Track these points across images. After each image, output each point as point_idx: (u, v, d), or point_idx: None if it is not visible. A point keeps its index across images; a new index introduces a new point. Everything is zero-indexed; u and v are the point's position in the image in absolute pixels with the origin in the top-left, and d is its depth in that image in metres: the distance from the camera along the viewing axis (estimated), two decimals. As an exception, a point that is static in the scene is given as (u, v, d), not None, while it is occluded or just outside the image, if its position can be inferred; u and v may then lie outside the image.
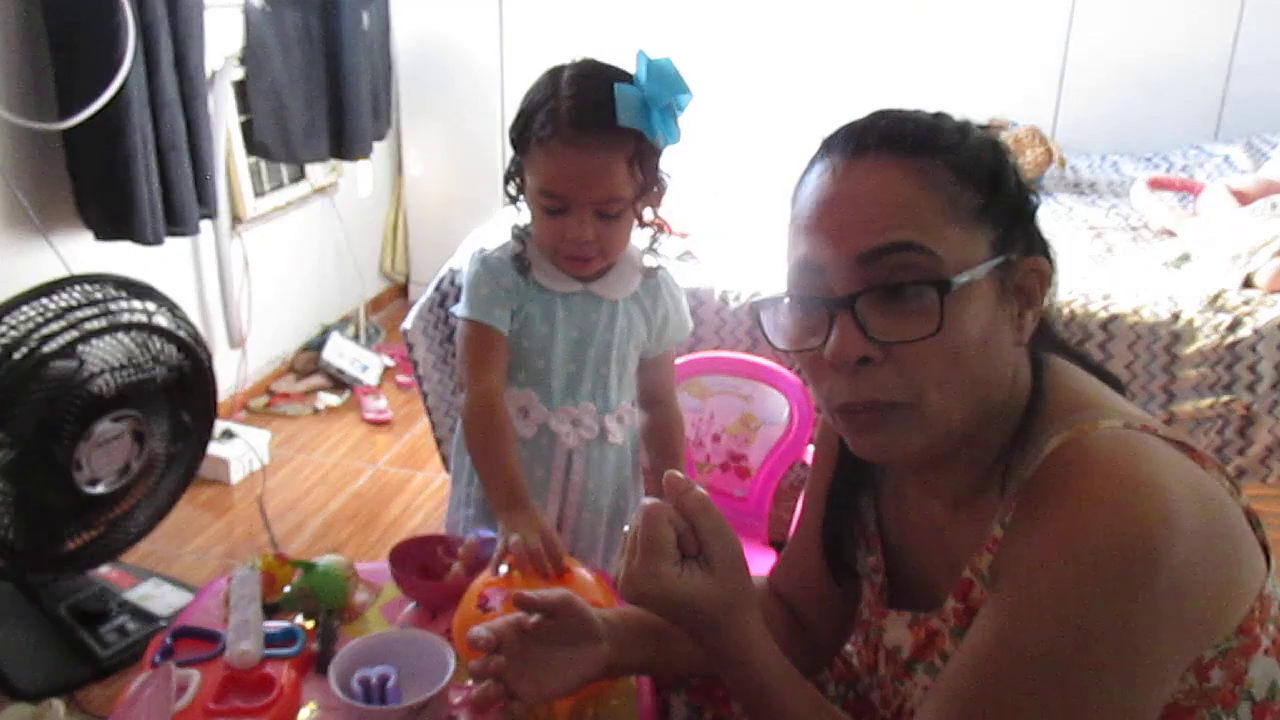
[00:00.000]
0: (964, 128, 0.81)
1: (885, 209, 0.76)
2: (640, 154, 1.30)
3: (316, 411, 3.10)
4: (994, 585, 0.78)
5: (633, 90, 1.26)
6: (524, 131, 1.31)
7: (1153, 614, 0.70)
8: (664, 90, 1.28)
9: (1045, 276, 0.81)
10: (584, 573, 1.18)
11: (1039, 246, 0.83)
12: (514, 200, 1.39)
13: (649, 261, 1.46)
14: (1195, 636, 0.73)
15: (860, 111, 0.85)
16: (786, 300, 0.82)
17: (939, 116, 0.82)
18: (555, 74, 1.31)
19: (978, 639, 0.76)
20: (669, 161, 1.38)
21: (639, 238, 1.44)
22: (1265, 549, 0.78)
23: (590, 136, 1.27)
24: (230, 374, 2.98)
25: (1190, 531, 0.70)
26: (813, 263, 0.79)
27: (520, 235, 1.42)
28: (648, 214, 1.40)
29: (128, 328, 1.74)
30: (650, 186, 1.35)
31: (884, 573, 0.97)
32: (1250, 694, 0.77)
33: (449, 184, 3.75)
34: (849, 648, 1.11)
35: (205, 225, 2.66)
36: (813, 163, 0.83)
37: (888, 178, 0.77)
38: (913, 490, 0.94)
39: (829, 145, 0.82)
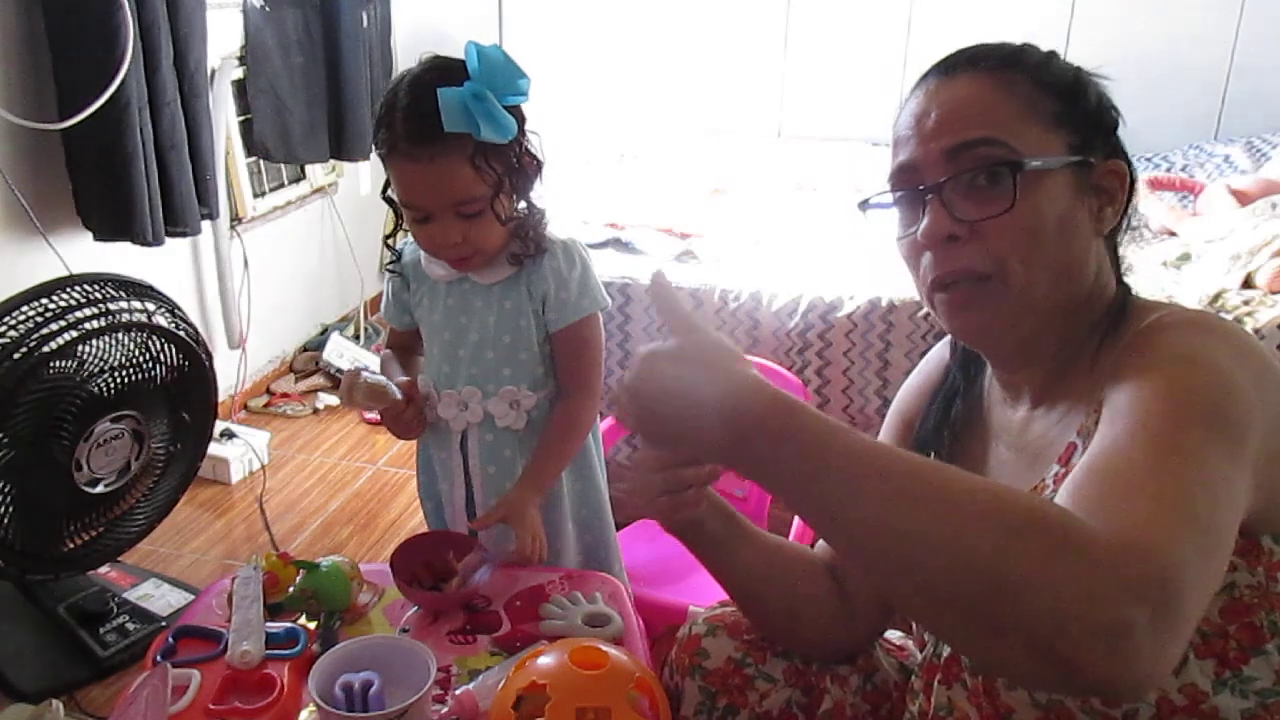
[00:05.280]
0: (1050, 54, 0.93)
1: (969, 112, 0.87)
2: (482, 151, 1.29)
3: (316, 411, 3.10)
4: (1110, 399, 0.79)
5: (454, 93, 1.25)
6: (375, 145, 1.34)
7: (1244, 381, 0.76)
8: (498, 80, 1.27)
9: (1123, 177, 0.90)
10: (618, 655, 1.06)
11: (1120, 154, 0.92)
12: (392, 206, 1.41)
13: (558, 236, 1.43)
14: (1265, 461, 0.75)
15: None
16: (889, 201, 0.94)
17: (1026, 45, 0.93)
18: (399, 81, 1.33)
19: (1117, 421, 0.77)
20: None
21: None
22: None
23: (423, 147, 1.27)
24: (230, 374, 2.97)
25: (1270, 368, 0.78)
26: (908, 164, 0.90)
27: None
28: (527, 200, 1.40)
29: (127, 328, 1.74)
30: (508, 177, 1.33)
31: None
32: None
33: (449, 184, 3.75)
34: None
35: (205, 225, 2.66)
36: (913, 89, 0.94)
37: (973, 88, 0.89)
38: (992, 406, 1.00)
39: (926, 73, 0.93)
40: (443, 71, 1.30)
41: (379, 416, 1.47)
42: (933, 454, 1.03)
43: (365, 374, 1.39)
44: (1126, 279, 0.93)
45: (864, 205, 0.97)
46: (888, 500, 0.67)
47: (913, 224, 0.90)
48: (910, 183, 0.90)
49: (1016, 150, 0.85)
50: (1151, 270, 2.31)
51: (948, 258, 0.88)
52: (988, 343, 0.95)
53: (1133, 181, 0.92)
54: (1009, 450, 0.97)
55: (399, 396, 1.41)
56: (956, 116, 0.87)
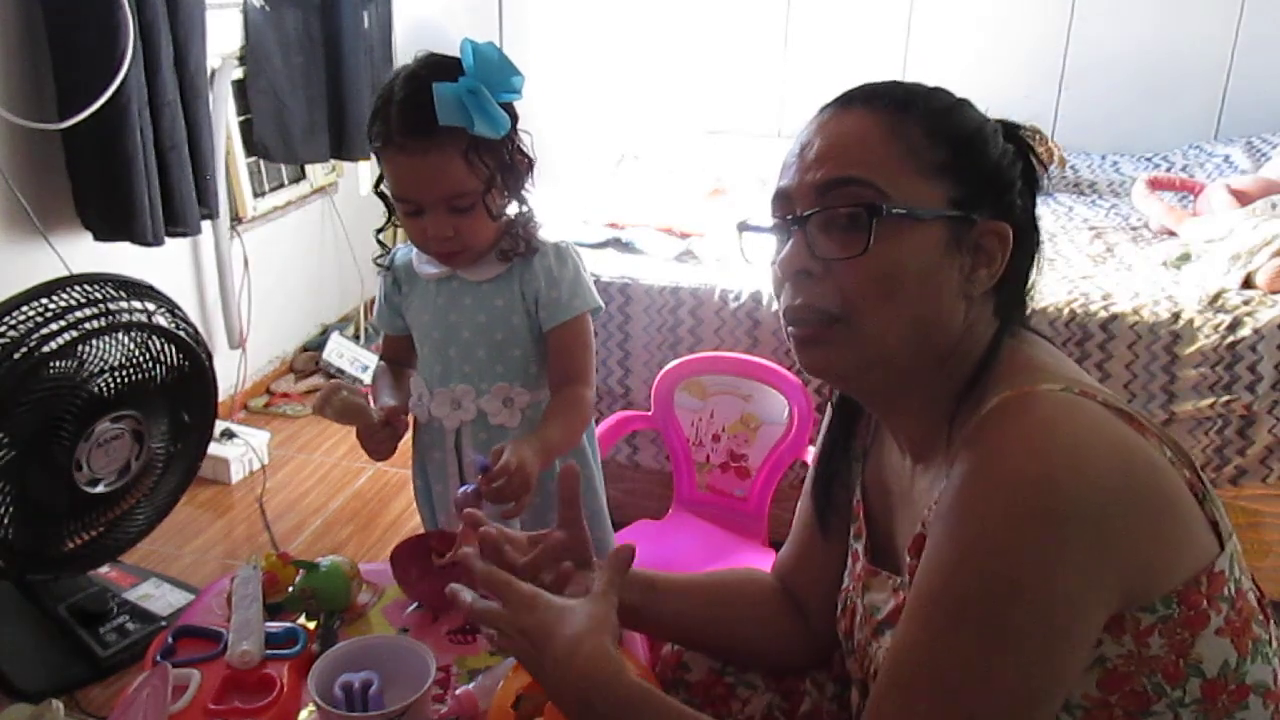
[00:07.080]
0: (960, 102, 0.90)
1: (847, 149, 0.86)
2: (475, 146, 1.30)
3: (316, 411, 3.10)
4: (929, 535, 0.81)
5: (449, 88, 1.26)
6: (369, 138, 1.36)
7: (1063, 558, 0.73)
8: (493, 77, 1.29)
9: (1005, 240, 0.86)
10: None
11: (1011, 216, 0.87)
12: (384, 201, 1.41)
13: (550, 239, 1.44)
14: (1115, 589, 0.75)
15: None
16: (765, 227, 0.93)
17: (936, 89, 0.90)
18: (394, 76, 1.34)
19: (910, 593, 0.80)
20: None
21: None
22: (1216, 527, 0.80)
23: (418, 140, 1.29)
24: (230, 374, 2.98)
25: (1105, 483, 0.74)
26: (783, 192, 0.89)
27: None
28: (515, 196, 1.40)
29: (127, 328, 1.74)
30: (500, 173, 1.35)
31: (866, 536, 1.01)
32: (1200, 670, 0.78)
33: (449, 184, 3.75)
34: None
35: (205, 225, 2.66)
36: (812, 117, 0.92)
37: (859, 125, 0.86)
38: (889, 448, 0.99)
39: (828, 103, 0.91)
40: (438, 67, 1.31)
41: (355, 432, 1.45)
42: (844, 508, 1.05)
43: (345, 392, 1.37)
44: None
45: (742, 226, 0.96)
46: None
47: (780, 250, 0.90)
48: (782, 211, 0.89)
49: (884, 194, 0.83)
50: (1151, 270, 2.31)
51: (800, 292, 0.87)
52: (836, 383, 0.96)
53: (1016, 245, 0.87)
54: (900, 501, 0.96)
55: (374, 419, 1.40)
56: (835, 152, 0.86)
